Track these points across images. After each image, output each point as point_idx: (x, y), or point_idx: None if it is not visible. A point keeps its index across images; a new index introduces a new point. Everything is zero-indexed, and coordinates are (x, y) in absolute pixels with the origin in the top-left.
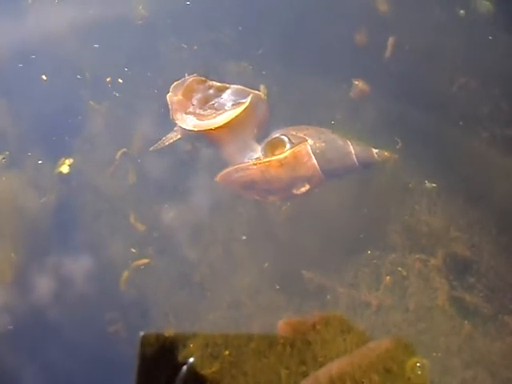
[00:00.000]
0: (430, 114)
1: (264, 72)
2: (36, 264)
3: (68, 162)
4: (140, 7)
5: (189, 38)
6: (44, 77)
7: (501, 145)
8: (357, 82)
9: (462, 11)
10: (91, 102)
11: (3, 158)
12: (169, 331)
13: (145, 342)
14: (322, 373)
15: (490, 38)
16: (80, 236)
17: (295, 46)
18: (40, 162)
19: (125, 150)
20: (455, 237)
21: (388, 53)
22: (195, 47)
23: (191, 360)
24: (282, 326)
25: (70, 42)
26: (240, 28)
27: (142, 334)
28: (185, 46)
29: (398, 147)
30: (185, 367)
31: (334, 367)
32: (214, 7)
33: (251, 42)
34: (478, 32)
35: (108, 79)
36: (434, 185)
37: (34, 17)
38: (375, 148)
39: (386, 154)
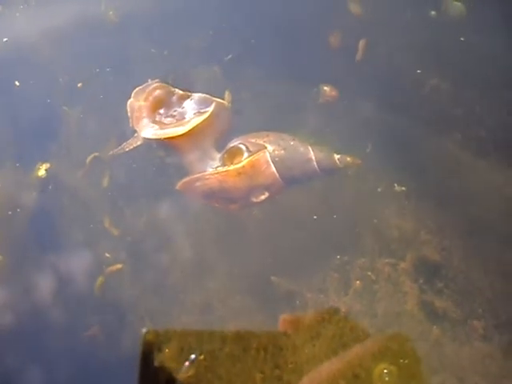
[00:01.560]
0: (402, 117)
1: (234, 77)
2: (13, 268)
3: (45, 166)
4: (110, 13)
5: (159, 43)
6: (17, 83)
7: (473, 147)
8: (326, 88)
9: (433, 12)
10: (65, 108)
11: None
12: (146, 335)
13: (124, 345)
14: (295, 380)
15: (462, 39)
16: (56, 240)
17: (266, 51)
18: (16, 166)
19: (96, 154)
20: (425, 240)
21: (359, 55)
22: (165, 52)
23: (193, 356)
24: (282, 321)
25: (41, 48)
26: (210, 33)
27: (121, 337)
28: (154, 51)
29: (368, 151)
30: (187, 363)
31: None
32: (185, 12)
33: (221, 47)
34: (450, 33)
35: (79, 85)
36: (403, 188)
37: (4, 23)
38: (338, 153)
39: (348, 159)
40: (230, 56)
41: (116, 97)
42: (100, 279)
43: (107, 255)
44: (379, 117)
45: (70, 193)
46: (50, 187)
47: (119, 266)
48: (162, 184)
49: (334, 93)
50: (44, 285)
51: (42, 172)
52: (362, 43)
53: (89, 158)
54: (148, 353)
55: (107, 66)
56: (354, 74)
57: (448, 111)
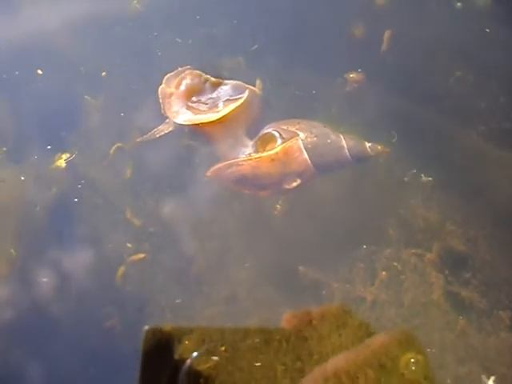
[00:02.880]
0: (427, 108)
1: (259, 67)
2: (32, 259)
3: (65, 156)
4: (135, 1)
5: (183, 32)
6: (40, 71)
7: (498, 138)
8: (351, 75)
9: (458, 4)
10: (87, 97)
11: (0, 154)
12: (166, 327)
13: (143, 337)
14: (318, 370)
15: (488, 30)
16: (77, 231)
17: (291, 41)
18: (37, 157)
19: (119, 144)
20: (451, 231)
21: (384, 46)
22: (190, 41)
23: (195, 354)
24: (286, 318)
25: (65, 37)
26: (235, 22)
27: (139, 329)
28: (179, 41)
29: (393, 141)
30: (188, 361)
31: (329, 364)
32: (209, 1)
33: (246, 37)
34: (475, 25)
35: (103, 74)
36: (429, 178)
37: (29, 11)
38: (369, 142)
39: (379, 147)
40: (255, 46)
41: (140, 86)
42: (121, 269)
43: (129, 245)
44: (404, 107)
45: (91, 183)
46: (70, 178)
47: (142, 255)
48: (185, 174)
49: (360, 76)
50: (63, 277)
51: (61, 162)
52: (387, 34)
53: (112, 149)
54: (167, 345)
55: (131, 55)
56: (379, 64)
57: (472, 102)
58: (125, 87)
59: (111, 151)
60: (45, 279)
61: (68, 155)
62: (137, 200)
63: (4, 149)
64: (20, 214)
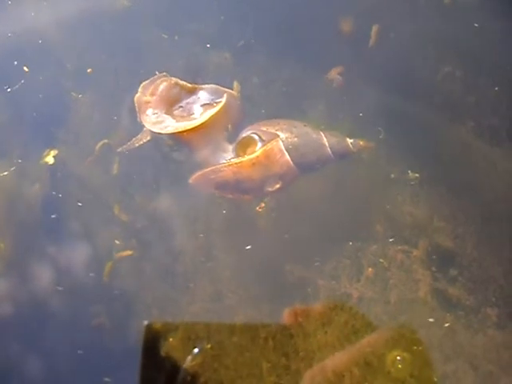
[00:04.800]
0: (415, 104)
1: (246, 63)
2: (19, 255)
3: (53, 153)
4: None
5: (170, 28)
6: (26, 68)
7: (486, 134)
8: (332, 71)
9: None
10: (73, 93)
11: None
12: (152, 323)
13: (132, 333)
14: (304, 368)
15: (476, 25)
16: (64, 227)
17: (279, 37)
18: (24, 152)
19: (105, 141)
20: (438, 227)
21: (372, 41)
22: (176, 37)
23: (196, 351)
24: (287, 314)
25: (51, 33)
26: (222, 18)
27: (126, 325)
28: (166, 37)
29: (381, 137)
30: (189, 357)
31: (316, 362)
32: None
33: (233, 33)
34: (463, 20)
35: (89, 70)
36: (416, 175)
37: (15, 8)
38: (351, 138)
39: (361, 143)
40: (242, 42)
41: (126, 82)
42: (109, 265)
43: (117, 242)
44: (392, 103)
45: (79, 180)
46: (58, 174)
47: (129, 252)
48: (172, 171)
49: (340, 69)
50: (50, 273)
51: (49, 159)
52: (374, 29)
53: (98, 145)
54: (154, 342)
55: (118, 51)
56: (367, 60)
57: (461, 98)
58: (112, 83)
59: (97, 148)
60: (32, 276)
61: (56, 151)
62: (124, 196)
63: None
64: (7, 210)
